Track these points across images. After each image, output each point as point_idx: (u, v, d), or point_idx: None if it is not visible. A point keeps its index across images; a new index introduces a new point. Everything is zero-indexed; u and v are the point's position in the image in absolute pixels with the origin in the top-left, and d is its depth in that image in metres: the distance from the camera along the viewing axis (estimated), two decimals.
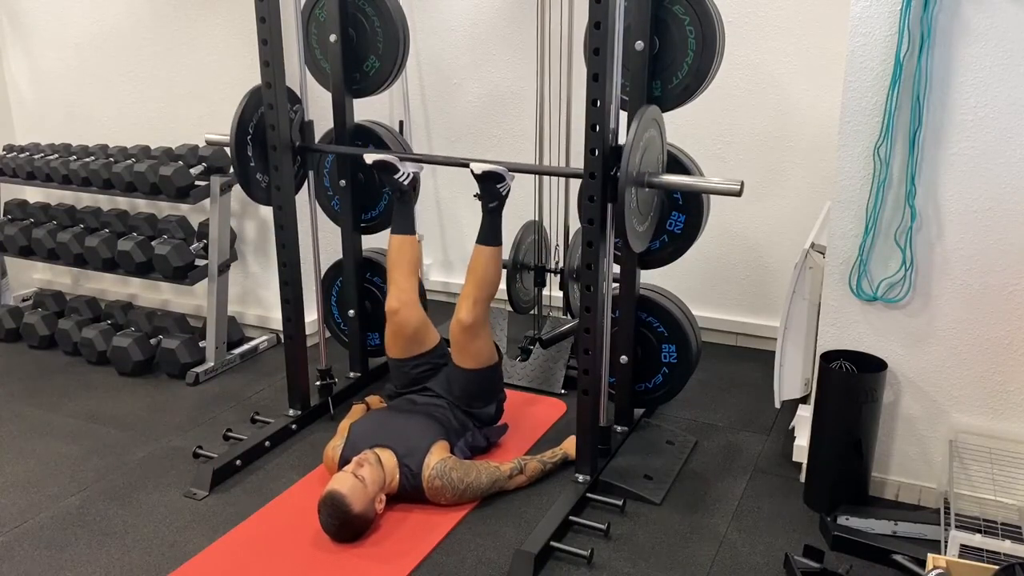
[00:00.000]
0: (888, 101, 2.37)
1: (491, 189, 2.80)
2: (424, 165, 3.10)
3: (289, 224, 3.02)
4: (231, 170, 3.81)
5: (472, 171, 2.78)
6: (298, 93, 3.03)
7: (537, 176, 3.52)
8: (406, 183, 2.96)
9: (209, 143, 3.15)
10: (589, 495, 2.66)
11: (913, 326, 2.53)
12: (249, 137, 2.97)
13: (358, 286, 3.38)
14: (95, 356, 3.79)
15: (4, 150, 4.33)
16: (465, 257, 2.98)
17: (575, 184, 3.34)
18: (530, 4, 3.44)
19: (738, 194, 2.44)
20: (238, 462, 2.89)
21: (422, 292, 3.34)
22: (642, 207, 2.51)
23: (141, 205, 4.15)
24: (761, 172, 3.68)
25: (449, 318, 2.95)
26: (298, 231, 3.07)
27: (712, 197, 2.87)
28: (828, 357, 2.61)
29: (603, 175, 2.43)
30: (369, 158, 2.95)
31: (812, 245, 2.78)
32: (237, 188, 3.75)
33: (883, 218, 2.48)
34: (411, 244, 3.00)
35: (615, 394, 3.02)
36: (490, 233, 2.85)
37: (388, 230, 3.09)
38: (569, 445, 2.88)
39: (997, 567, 2.03)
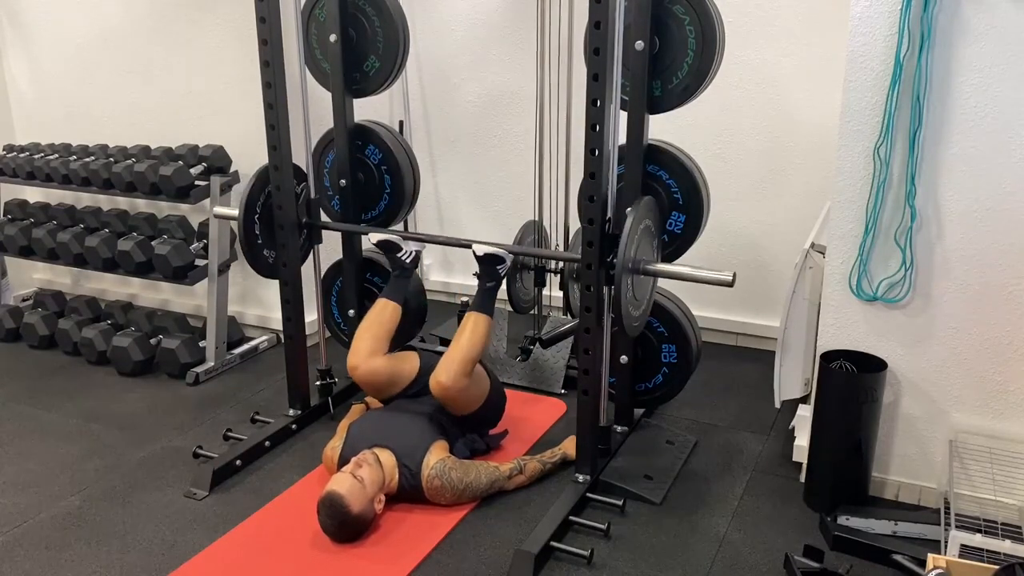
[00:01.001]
0: (888, 101, 2.37)
1: (491, 270, 2.84)
2: (427, 244, 3.11)
3: (289, 224, 3.02)
4: (231, 169, 3.82)
5: (474, 253, 2.82)
6: (299, 94, 3.03)
7: (537, 177, 3.53)
8: (408, 261, 2.98)
9: (217, 216, 3.19)
10: (589, 495, 2.66)
11: (913, 326, 2.53)
12: (257, 216, 3.01)
13: (358, 286, 3.38)
14: (95, 356, 3.79)
15: (4, 150, 4.33)
16: (465, 257, 2.98)
17: (575, 184, 3.35)
18: (530, 4, 3.44)
19: (730, 285, 2.46)
20: (238, 462, 2.89)
21: (421, 292, 3.34)
22: (637, 293, 2.54)
23: (141, 205, 4.15)
24: (761, 172, 3.68)
25: (450, 317, 2.95)
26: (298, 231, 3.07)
27: (712, 196, 2.87)
28: (828, 357, 2.61)
29: (599, 261, 2.47)
30: (373, 237, 2.99)
31: (812, 245, 2.78)
32: (237, 188, 3.76)
33: (883, 218, 2.48)
34: (394, 311, 2.98)
35: (615, 394, 3.01)
36: (485, 303, 2.85)
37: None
38: (569, 445, 2.88)
39: (997, 567, 2.03)
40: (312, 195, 3.11)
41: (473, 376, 2.78)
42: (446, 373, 2.72)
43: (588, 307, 2.55)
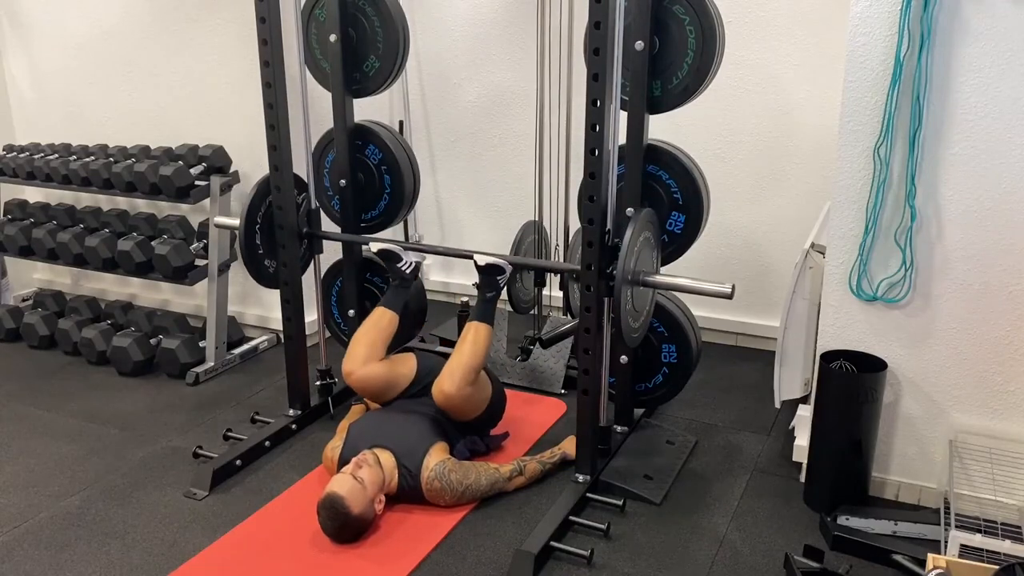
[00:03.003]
0: (888, 101, 2.37)
1: (491, 280, 2.86)
2: (427, 256, 3.11)
3: (289, 224, 3.02)
4: (231, 170, 3.82)
5: (476, 263, 2.84)
6: (298, 94, 3.03)
7: (537, 177, 3.52)
8: (408, 272, 2.99)
9: (218, 226, 3.20)
10: (589, 495, 2.66)
11: (913, 326, 2.53)
12: (257, 226, 3.02)
13: (358, 286, 3.38)
14: (95, 356, 3.79)
15: (4, 150, 4.33)
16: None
17: (575, 184, 3.35)
18: (530, 4, 3.44)
19: (729, 297, 2.48)
20: (238, 462, 2.89)
21: (421, 293, 3.35)
22: (637, 305, 2.55)
23: (141, 205, 4.15)
24: (761, 172, 3.68)
25: (449, 318, 2.95)
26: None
27: (712, 196, 2.87)
28: (828, 357, 2.61)
29: (599, 270, 2.49)
30: (374, 247, 3.00)
31: (812, 245, 2.78)
32: (237, 188, 3.76)
33: (883, 218, 2.48)
34: (391, 320, 2.97)
35: (615, 394, 3.01)
36: (486, 313, 2.87)
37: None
38: (569, 445, 2.88)
39: (997, 567, 2.03)
40: (312, 205, 3.11)
41: (476, 383, 2.79)
42: (450, 382, 2.73)
43: (588, 307, 2.55)
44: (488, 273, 2.85)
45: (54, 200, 4.31)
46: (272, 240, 3.06)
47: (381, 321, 2.96)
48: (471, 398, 2.79)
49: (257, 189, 3.01)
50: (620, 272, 2.40)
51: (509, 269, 2.87)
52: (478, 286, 2.90)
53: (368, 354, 2.88)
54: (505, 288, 3.20)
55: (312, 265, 3.24)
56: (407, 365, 2.95)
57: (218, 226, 3.19)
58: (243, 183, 3.77)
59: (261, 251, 3.07)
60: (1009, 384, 2.47)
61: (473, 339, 2.80)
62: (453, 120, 4.29)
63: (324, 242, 3.19)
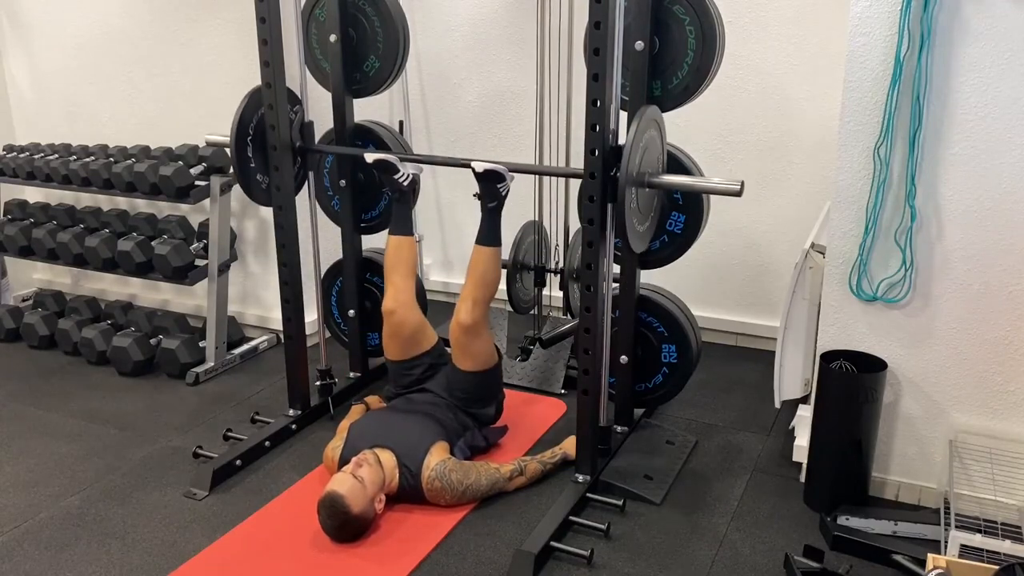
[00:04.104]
0: (888, 101, 2.37)
1: (491, 189, 2.81)
2: (424, 166, 3.10)
3: (289, 224, 3.02)
4: (231, 170, 3.82)
5: (473, 169, 2.79)
6: (298, 93, 3.03)
7: (537, 177, 3.52)
8: (405, 184, 2.97)
9: (209, 144, 3.15)
10: (589, 495, 2.66)
11: (913, 326, 2.53)
12: (249, 138, 2.98)
13: (358, 286, 3.38)
14: (95, 356, 3.79)
15: (4, 150, 4.33)
16: (465, 257, 2.98)
17: (575, 184, 3.35)
18: (530, 4, 3.44)
19: (738, 194, 2.44)
20: (238, 462, 2.89)
21: (422, 292, 3.35)
22: (642, 207, 2.52)
23: (141, 205, 4.15)
24: (761, 172, 3.68)
25: (449, 319, 2.95)
26: (298, 231, 3.07)
27: (712, 197, 2.87)
28: (828, 357, 2.61)
29: (603, 175, 2.43)
30: (369, 157, 2.96)
31: (812, 245, 2.78)
32: (237, 188, 3.76)
33: (883, 218, 2.48)
34: (409, 245, 3.00)
35: (615, 394, 3.02)
36: (489, 233, 2.86)
37: (387, 230, 3.09)
38: (569, 445, 2.88)
39: (997, 567, 2.03)
40: (306, 118, 3.06)
41: (487, 322, 2.83)
42: (465, 311, 2.80)
43: (588, 307, 2.54)
44: (487, 180, 2.80)
45: (54, 200, 4.31)
46: (264, 154, 3.00)
47: (401, 252, 2.98)
48: (483, 332, 2.84)
49: (247, 101, 2.95)
50: (624, 171, 2.33)
51: (510, 176, 2.82)
52: (479, 196, 2.86)
53: (407, 287, 2.94)
54: (505, 287, 3.21)
55: (312, 263, 3.24)
56: (432, 335, 3.02)
57: (209, 143, 3.14)
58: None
59: (253, 164, 3.02)
60: (1009, 384, 2.47)
61: (483, 265, 2.83)
62: (453, 120, 4.29)
63: (325, 240, 3.18)
